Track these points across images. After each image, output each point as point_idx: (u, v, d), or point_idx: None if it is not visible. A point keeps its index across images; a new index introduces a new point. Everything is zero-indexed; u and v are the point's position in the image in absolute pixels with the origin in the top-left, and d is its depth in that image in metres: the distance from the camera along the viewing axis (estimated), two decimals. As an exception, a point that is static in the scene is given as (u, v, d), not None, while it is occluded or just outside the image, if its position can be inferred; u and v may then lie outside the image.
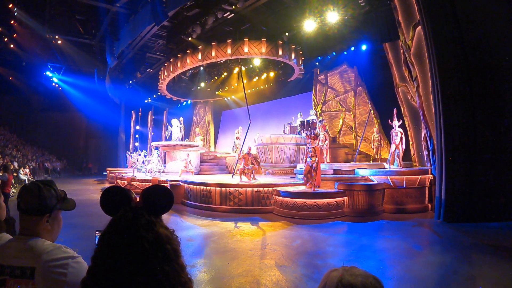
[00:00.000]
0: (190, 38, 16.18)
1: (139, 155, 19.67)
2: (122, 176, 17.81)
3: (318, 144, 10.31)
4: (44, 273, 1.34)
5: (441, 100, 8.59)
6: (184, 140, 19.20)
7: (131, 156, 22.29)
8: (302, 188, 9.92)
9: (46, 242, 1.45)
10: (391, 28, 12.31)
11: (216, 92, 25.57)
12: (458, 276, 4.71)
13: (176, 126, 18.77)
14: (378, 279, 0.93)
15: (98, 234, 1.08)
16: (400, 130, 10.90)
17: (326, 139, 14.25)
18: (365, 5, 13.49)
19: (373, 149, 13.88)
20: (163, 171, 17.78)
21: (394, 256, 5.73)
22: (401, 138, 10.81)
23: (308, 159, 9.71)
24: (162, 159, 22.26)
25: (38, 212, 1.46)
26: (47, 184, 1.52)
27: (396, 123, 10.95)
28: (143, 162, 18.93)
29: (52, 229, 1.52)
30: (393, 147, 10.96)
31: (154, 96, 27.35)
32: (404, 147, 10.92)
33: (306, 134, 10.44)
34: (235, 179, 12.03)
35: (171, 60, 19.10)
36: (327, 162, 13.71)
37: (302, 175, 10.31)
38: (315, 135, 10.08)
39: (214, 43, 16.62)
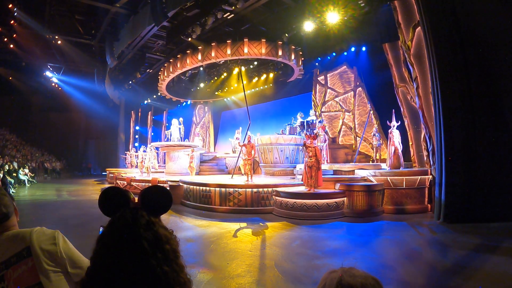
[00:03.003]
0: (190, 39, 16.16)
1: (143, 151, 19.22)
2: (122, 176, 17.80)
3: (317, 144, 10.27)
4: (39, 245, 1.45)
5: (441, 100, 8.59)
6: (184, 141, 19.18)
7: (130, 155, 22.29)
8: (301, 189, 9.92)
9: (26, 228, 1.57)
10: (391, 29, 12.29)
11: (216, 93, 25.56)
12: (458, 277, 4.71)
13: (175, 127, 18.75)
14: (377, 280, 0.92)
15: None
16: (397, 131, 10.95)
17: (326, 140, 14.28)
18: (365, 5, 13.47)
19: (373, 149, 13.91)
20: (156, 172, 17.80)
21: (394, 256, 5.73)
22: (399, 140, 10.86)
23: (307, 159, 9.69)
24: (162, 160, 22.23)
25: (10, 215, 1.56)
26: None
27: (394, 123, 10.97)
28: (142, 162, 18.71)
29: (16, 221, 1.63)
30: (392, 149, 10.96)
31: (154, 96, 27.34)
32: (401, 146, 10.94)
33: (306, 134, 10.41)
34: (235, 180, 12.02)
35: (171, 60, 19.09)
36: (326, 162, 13.73)
37: (301, 176, 10.28)
38: (315, 135, 10.07)
39: (214, 44, 16.61)
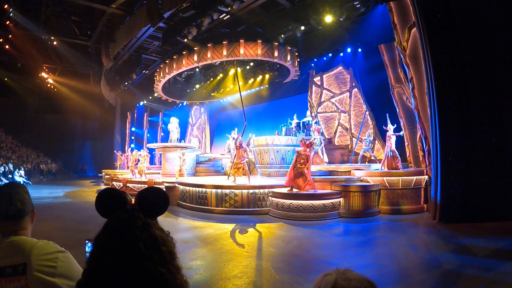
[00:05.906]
0: (186, 40, 16.14)
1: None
2: (118, 177, 17.73)
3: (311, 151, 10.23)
4: (35, 267, 1.36)
5: (436, 101, 8.61)
6: (180, 142, 19.13)
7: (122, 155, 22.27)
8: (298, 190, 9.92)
9: (33, 239, 1.48)
10: (387, 30, 12.35)
11: (212, 94, 25.52)
12: (455, 277, 4.73)
13: (174, 126, 18.70)
14: (373, 283, 0.91)
15: (88, 243, 1.07)
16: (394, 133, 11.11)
17: (321, 143, 14.38)
18: (360, 6, 13.54)
19: (368, 150, 13.95)
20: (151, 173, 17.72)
21: (390, 257, 5.74)
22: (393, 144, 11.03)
23: (297, 165, 9.67)
24: (158, 161, 22.13)
25: (25, 214, 1.51)
26: (18, 187, 1.56)
27: (390, 126, 11.04)
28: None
29: (32, 225, 1.58)
30: (390, 152, 11.04)
31: (150, 97, 27.27)
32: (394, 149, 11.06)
33: (301, 141, 10.41)
34: (231, 181, 12.01)
35: (167, 61, 19.06)
36: (326, 163, 13.82)
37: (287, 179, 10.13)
38: (310, 143, 10.07)
39: (210, 45, 16.59)
